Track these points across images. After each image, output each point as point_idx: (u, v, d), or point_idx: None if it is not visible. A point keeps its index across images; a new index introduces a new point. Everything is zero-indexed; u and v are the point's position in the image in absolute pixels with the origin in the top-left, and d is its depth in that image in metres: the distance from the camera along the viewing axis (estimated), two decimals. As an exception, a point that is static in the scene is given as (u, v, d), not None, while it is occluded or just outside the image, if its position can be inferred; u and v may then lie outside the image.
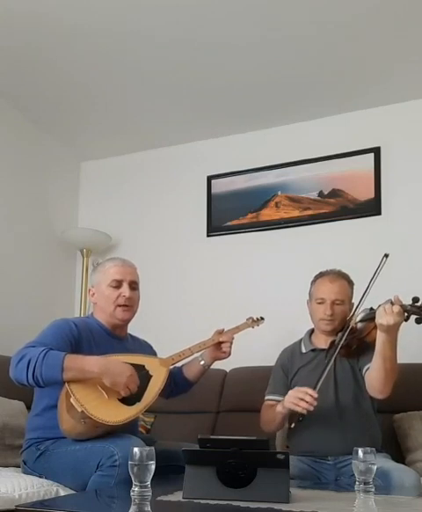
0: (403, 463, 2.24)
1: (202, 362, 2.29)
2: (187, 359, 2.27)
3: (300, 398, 1.98)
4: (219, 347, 2.29)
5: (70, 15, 2.55)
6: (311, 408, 1.96)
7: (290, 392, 2.05)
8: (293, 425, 2.07)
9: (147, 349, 2.32)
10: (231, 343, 2.29)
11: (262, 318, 2.49)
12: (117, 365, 1.92)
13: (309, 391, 1.99)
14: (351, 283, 2.31)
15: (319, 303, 2.26)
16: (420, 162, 3.12)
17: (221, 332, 2.31)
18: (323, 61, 2.85)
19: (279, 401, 2.20)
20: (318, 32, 2.64)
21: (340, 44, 2.72)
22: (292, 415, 2.09)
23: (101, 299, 2.17)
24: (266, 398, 2.33)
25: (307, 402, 1.96)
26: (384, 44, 2.72)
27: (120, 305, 2.14)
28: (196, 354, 2.28)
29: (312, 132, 3.38)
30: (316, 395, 1.97)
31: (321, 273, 2.35)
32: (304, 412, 1.98)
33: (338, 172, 3.28)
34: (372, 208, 3.17)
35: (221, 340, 2.28)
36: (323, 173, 3.31)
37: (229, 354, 2.30)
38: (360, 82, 3.03)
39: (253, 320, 2.46)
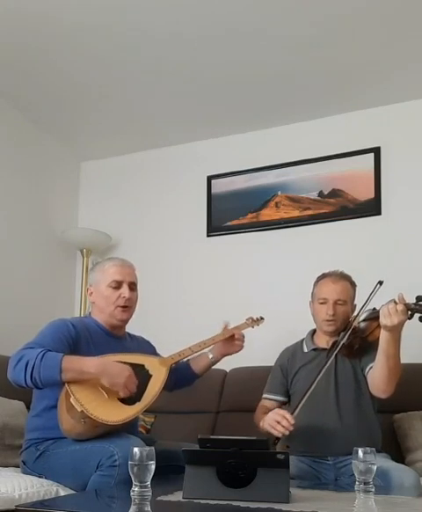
0: (403, 463, 2.25)
1: (211, 356, 2.31)
2: (187, 358, 2.28)
3: (277, 422, 2.00)
4: (230, 340, 2.31)
5: (70, 15, 2.55)
6: (287, 433, 1.98)
7: (269, 414, 2.06)
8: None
9: (146, 347, 2.32)
10: (244, 337, 2.34)
11: (262, 318, 2.50)
12: (115, 366, 1.92)
13: (287, 415, 2.00)
14: (353, 285, 2.32)
15: (321, 304, 2.27)
16: (420, 162, 3.12)
17: (226, 328, 2.34)
18: (323, 60, 2.85)
19: (274, 400, 2.26)
20: (318, 32, 2.64)
21: (340, 44, 2.72)
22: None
23: (100, 299, 2.17)
24: (264, 396, 2.35)
25: (283, 426, 1.98)
26: (384, 44, 2.72)
27: (119, 306, 2.15)
28: (199, 352, 2.29)
29: (312, 132, 3.38)
30: (292, 421, 1.98)
31: (324, 274, 2.36)
32: (279, 435, 2.00)
33: (338, 172, 3.28)
34: (372, 208, 3.17)
35: (234, 333, 2.31)
36: (323, 173, 3.31)
37: (242, 348, 2.33)
38: (360, 82, 3.03)
39: (253, 320, 2.46)
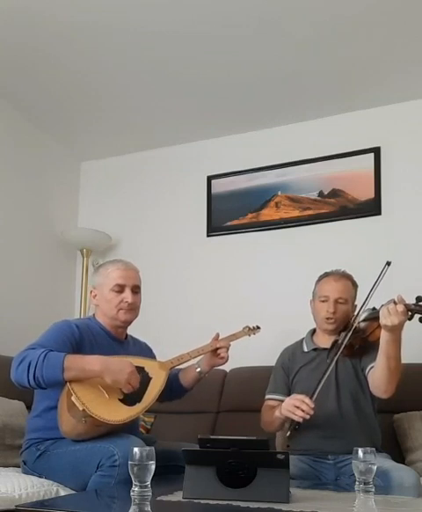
0: (403, 463, 2.24)
1: (198, 369, 2.29)
2: (186, 363, 2.27)
3: (296, 407, 1.98)
4: (216, 353, 2.29)
5: (70, 14, 2.55)
6: (308, 417, 1.96)
7: (287, 400, 2.05)
8: (288, 433, 2.06)
9: (147, 352, 2.33)
10: (228, 348, 2.29)
11: (258, 327, 2.51)
12: (117, 363, 1.93)
13: (306, 399, 1.99)
14: (355, 285, 2.33)
15: (323, 301, 2.27)
16: (420, 162, 3.12)
17: (217, 339, 2.32)
18: (323, 61, 2.85)
19: (279, 400, 2.22)
20: (318, 33, 2.64)
21: (340, 44, 2.72)
22: (289, 421, 2.09)
23: (103, 302, 2.17)
24: (267, 397, 2.34)
25: (303, 411, 1.96)
26: (384, 44, 2.72)
27: (122, 309, 2.15)
28: (193, 361, 2.28)
29: (312, 132, 3.38)
30: (312, 405, 1.97)
31: (326, 272, 2.37)
32: (300, 420, 1.98)
33: (338, 172, 3.28)
34: (372, 208, 3.17)
35: (218, 345, 2.28)
36: (323, 173, 3.31)
37: (227, 360, 2.30)
38: (360, 82, 3.03)
39: (249, 329, 2.48)
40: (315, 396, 2.04)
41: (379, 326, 2.01)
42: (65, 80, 3.06)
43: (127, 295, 2.15)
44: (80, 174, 3.95)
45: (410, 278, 2.80)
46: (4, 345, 2.63)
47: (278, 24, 2.59)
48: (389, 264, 2.10)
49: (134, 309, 2.18)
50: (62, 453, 1.92)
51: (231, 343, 2.32)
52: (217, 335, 2.33)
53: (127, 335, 2.27)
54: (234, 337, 2.37)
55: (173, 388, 2.30)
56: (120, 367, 1.91)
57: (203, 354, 2.28)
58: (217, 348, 2.28)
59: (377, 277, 2.10)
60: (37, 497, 1.78)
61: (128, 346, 2.24)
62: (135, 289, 2.19)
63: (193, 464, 1.54)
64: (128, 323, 2.21)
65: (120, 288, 2.15)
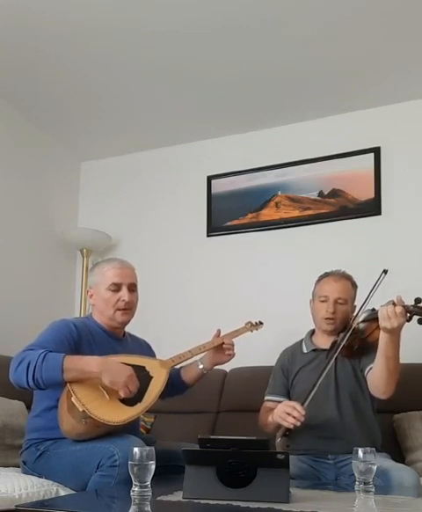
0: (403, 463, 2.24)
1: (201, 367, 2.28)
2: (187, 361, 2.26)
3: (287, 413, 1.99)
4: (220, 349, 2.27)
5: (70, 14, 2.55)
6: (298, 423, 1.97)
7: (279, 406, 2.05)
8: (279, 439, 2.06)
9: (146, 350, 2.33)
10: (233, 345, 2.29)
11: (261, 323, 2.50)
12: (116, 365, 1.93)
13: (297, 406, 1.99)
14: (354, 285, 2.33)
15: (322, 301, 2.27)
16: (420, 162, 3.12)
17: (218, 335, 2.31)
18: (324, 60, 2.85)
19: (277, 402, 2.22)
20: (318, 32, 2.64)
21: (340, 44, 2.72)
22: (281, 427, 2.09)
23: (100, 302, 2.17)
24: (266, 398, 2.34)
25: (294, 417, 1.97)
26: (384, 44, 2.72)
27: (119, 309, 2.15)
28: (196, 358, 2.27)
29: (312, 132, 3.38)
30: (303, 412, 1.97)
31: (326, 273, 2.37)
32: (291, 427, 1.98)
33: (338, 172, 3.28)
34: (372, 208, 3.17)
35: (223, 341, 2.27)
36: (323, 173, 3.31)
37: (233, 356, 2.29)
38: (360, 82, 3.03)
39: (252, 324, 2.46)
40: (308, 401, 2.04)
41: (378, 327, 2.01)
42: (65, 80, 3.06)
43: (124, 293, 2.14)
44: (80, 174, 3.95)
45: (409, 278, 2.80)
46: (4, 345, 2.63)
47: (278, 24, 2.59)
48: (385, 272, 2.09)
49: (131, 308, 2.17)
50: (62, 453, 1.92)
51: (234, 341, 2.32)
52: (218, 332, 2.32)
53: (124, 333, 2.27)
54: (236, 333, 2.36)
55: (174, 384, 2.29)
56: (119, 370, 1.91)
57: (205, 352, 2.28)
58: (220, 344, 2.27)
59: (374, 284, 2.10)
60: (37, 497, 1.78)
61: (127, 343, 2.24)
62: (132, 288, 2.18)
63: (193, 464, 1.54)
64: (125, 324, 2.21)
65: (117, 287, 2.15)
